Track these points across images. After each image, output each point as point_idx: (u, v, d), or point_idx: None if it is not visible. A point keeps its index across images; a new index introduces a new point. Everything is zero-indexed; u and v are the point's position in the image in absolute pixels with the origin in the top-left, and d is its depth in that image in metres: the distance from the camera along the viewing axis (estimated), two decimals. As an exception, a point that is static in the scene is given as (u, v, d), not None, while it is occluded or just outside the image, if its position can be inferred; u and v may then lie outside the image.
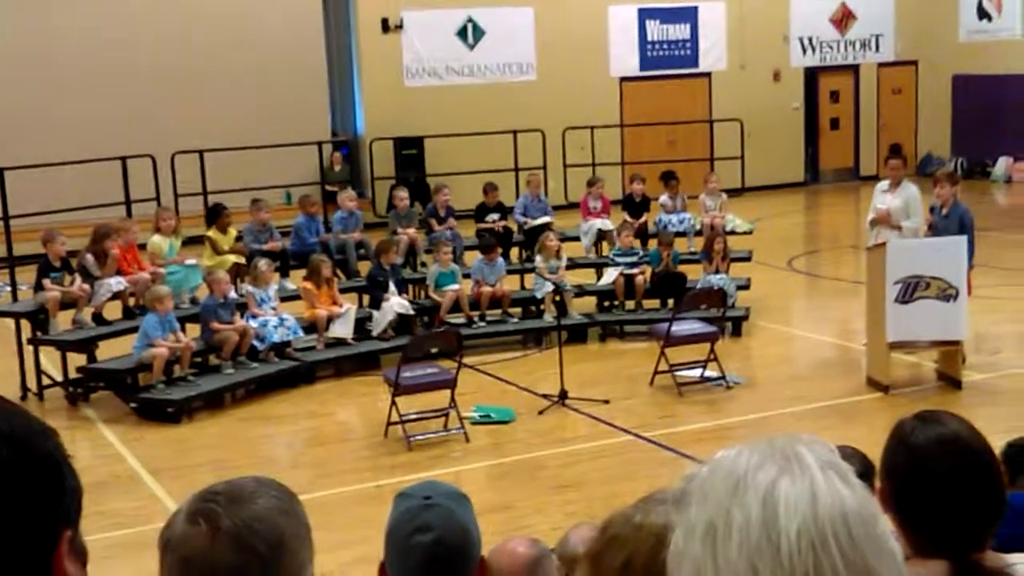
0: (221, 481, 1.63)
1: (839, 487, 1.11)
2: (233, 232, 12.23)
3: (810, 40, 23.64)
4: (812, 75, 23.84)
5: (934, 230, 10.23)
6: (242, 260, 11.90)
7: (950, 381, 9.83)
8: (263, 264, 11.26)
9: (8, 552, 1.05)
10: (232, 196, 13.42)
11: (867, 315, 10.08)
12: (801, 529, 1.08)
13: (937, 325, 9.47)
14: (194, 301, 11.52)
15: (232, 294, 11.12)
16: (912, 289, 9.43)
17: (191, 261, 11.74)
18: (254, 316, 10.93)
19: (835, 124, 24.36)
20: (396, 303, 11.68)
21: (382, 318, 11.60)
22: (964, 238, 9.68)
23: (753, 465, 1.14)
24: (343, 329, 11.44)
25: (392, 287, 11.75)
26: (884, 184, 10.88)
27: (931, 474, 2.15)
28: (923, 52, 24.14)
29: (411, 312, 11.81)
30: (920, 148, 24.33)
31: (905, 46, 24.20)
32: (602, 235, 13.58)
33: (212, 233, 12.12)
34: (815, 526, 1.08)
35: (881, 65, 24.27)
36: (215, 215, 12.29)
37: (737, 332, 12.03)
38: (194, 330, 10.93)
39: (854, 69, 24.16)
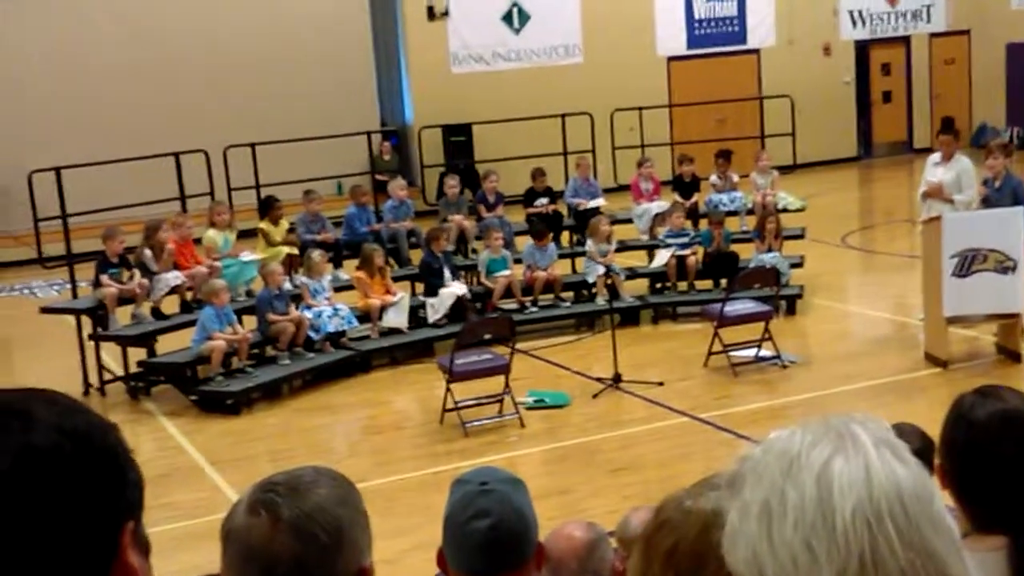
0: (280, 472, 1.66)
1: (894, 465, 1.11)
2: (285, 224, 12.33)
3: (860, 12, 23.31)
4: (863, 48, 23.52)
5: (987, 203, 10.07)
6: (295, 251, 11.99)
7: (1009, 354, 9.69)
8: (316, 255, 11.34)
9: (73, 544, 1.08)
10: (284, 188, 13.50)
11: (923, 290, 9.96)
12: (856, 508, 1.08)
13: (995, 298, 9.34)
14: (250, 294, 11.64)
15: (287, 285, 11.21)
16: (970, 262, 9.30)
17: (249, 256, 11.83)
18: (309, 307, 11.01)
19: (887, 97, 24.03)
20: (455, 288, 11.72)
21: (440, 305, 11.63)
22: (1021, 209, 9.52)
23: (807, 444, 1.14)
24: (397, 318, 11.50)
25: (447, 274, 11.79)
26: (936, 156, 10.73)
27: (991, 450, 2.14)
28: (975, 21, 23.71)
29: (468, 295, 11.85)
30: (975, 119, 23.93)
31: (957, 15, 23.79)
32: (657, 217, 13.51)
33: (264, 225, 12.22)
34: (870, 504, 1.08)
35: (933, 35, 23.88)
36: (267, 207, 12.38)
37: (791, 311, 11.93)
38: (251, 322, 11.04)
39: (905, 41, 23.80)
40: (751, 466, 1.17)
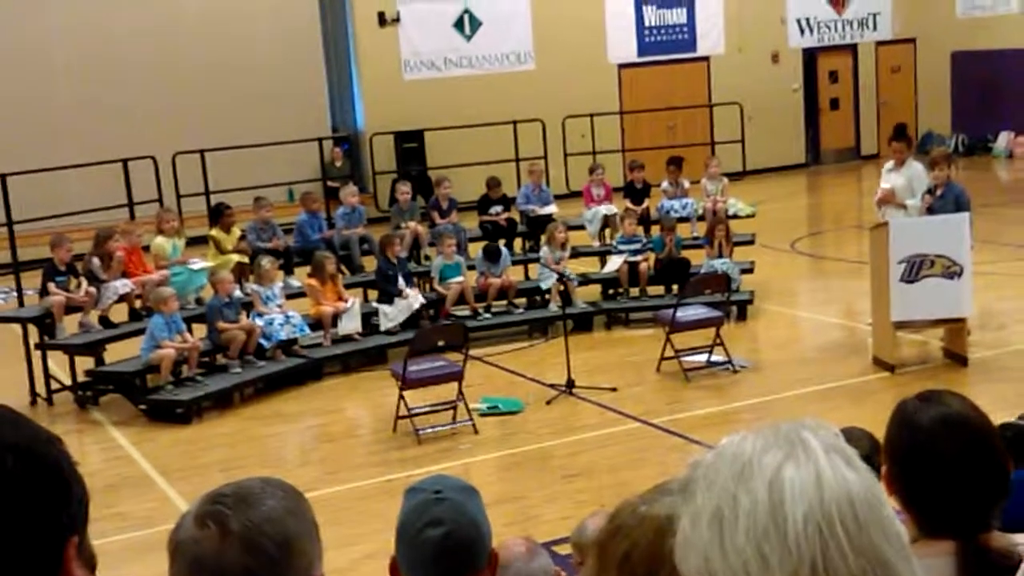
0: (229, 483, 1.64)
1: (844, 471, 1.12)
2: (236, 231, 12.23)
3: (808, 21, 23.58)
4: (811, 56, 23.78)
5: (931, 212, 10.22)
6: (246, 259, 11.91)
7: (956, 358, 9.82)
8: (267, 262, 11.27)
9: (16, 559, 1.06)
10: (234, 195, 13.41)
11: (872, 295, 10.06)
12: (808, 514, 1.09)
13: (943, 303, 9.45)
14: (199, 301, 11.53)
15: (237, 293, 11.14)
16: (917, 268, 9.41)
17: (199, 264, 11.73)
18: (260, 314, 10.94)
19: (835, 104, 24.31)
20: (413, 297, 11.70)
21: (398, 313, 11.60)
22: (966, 215, 9.66)
23: (758, 450, 1.14)
24: (350, 325, 11.45)
25: (402, 281, 11.75)
26: (890, 163, 10.89)
27: (935, 454, 2.14)
28: (921, 29, 24.07)
29: (423, 302, 11.83)
30: (920, 126, 24.27)
31: (903, 24, 24.14)
32: (607, 221, 13.57)
33: (215, 232, 12.12)
34: (821, 510, 1.09)
35: (879, 43, 24.21)
36: (218, 215, 12.30)
37: (742, 316, 12.02)
38: (201, 330, 10.95)
39: (852, 49, 24.11)
40: (703, 472, 1.17)
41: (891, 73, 24.43)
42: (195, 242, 13.03)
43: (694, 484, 1.17)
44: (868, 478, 1.13)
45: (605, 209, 13.58)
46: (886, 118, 23.00)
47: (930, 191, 10.43)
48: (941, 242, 9.41)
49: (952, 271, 9.40)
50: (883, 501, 1.13)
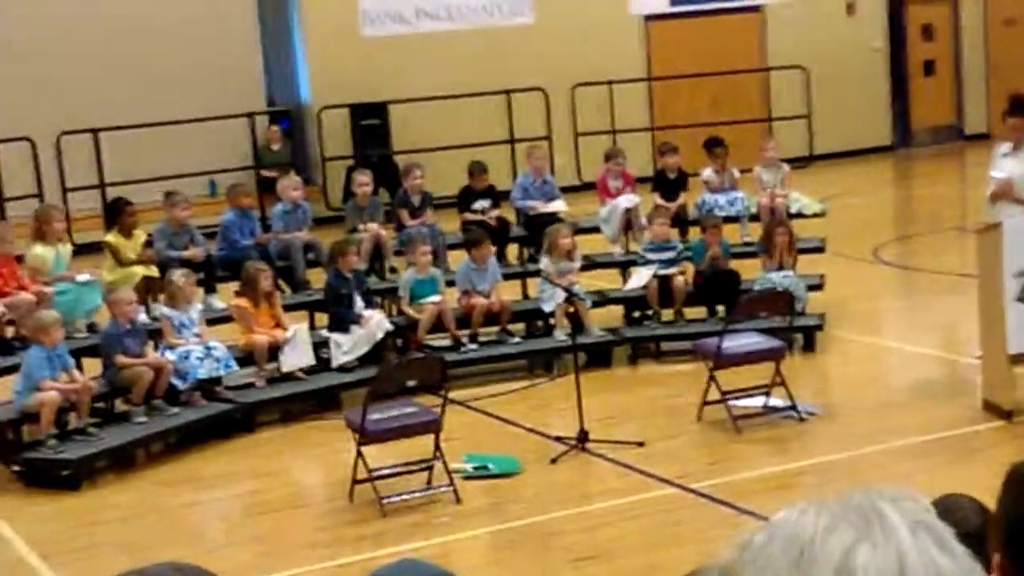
0: (132, 571, 1.64)
1: (935, 555, 1.12)
2: (141, 236, 12.25)
3: (893, -41, 23.74)
4: (897, 5, 23.90)
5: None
6: (154, 272, 11.92)
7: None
8: (181, 277, 11.27)
9: None
10: (139, 189, 13.45)
11: (981, 319, 10.09)
12: (887, 610, 1.09)
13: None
14: (92, 328, 11.54)
15: (142, 318, 11.13)
16: (1039, 283, 9.44)
17: (86, 276, 11.73)
18: (171, 346, 10.94)
19: (930, 68, 24.44)
20: (377, 324, 11.70)
21: (355, 344, 11.60)
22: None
23: (822, 529, 1.15)
24: (292, 359, 11.46)
25: (360, 301, 11.76)
26: (1006, 146, 10.91)
27: None
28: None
29: (387, 330, 11.84)
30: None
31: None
32: (630, 219, 13.55)
33: (113, 238, 12.13)
34: (905, 607, 1.09)
35: (988, -12, 24.36)
36: (116, 214, 12.31)
37: (809, 346, 12.03)
38: (94, 366, 10.93)
39: (952, -5, 24.26)
40: (751, 556, 1.18)
41: (1004, 26, 24.55)
42: (86, 250, 13.05)
43: (741, 571, 1.18)
44: (968, 564, 1.13)
45: (625, 200, 13.56)
46: (999, 86, 23.07)
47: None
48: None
49: (1085, 287, 9.43)
50: (986, 593, 1.14)
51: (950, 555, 1.13)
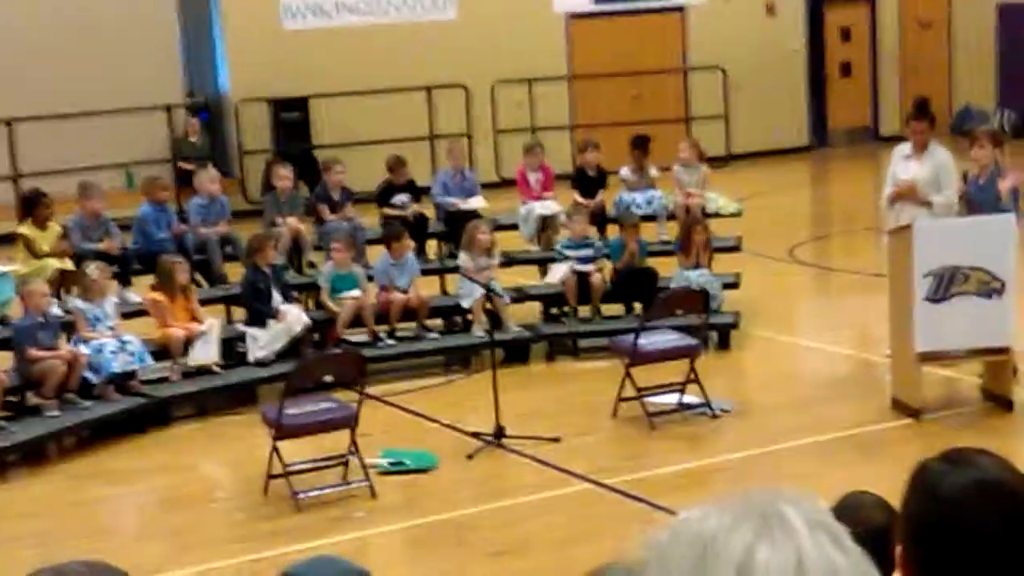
0: (43, 568, 1.63)
1: (831, 553, 1.14)
2: (56, 228, 12.13)
3: (812, -39, 23.92)
4: (816, 7, 24.08)
5: (970, 206, 10.35)
6: (68, 265, 11.80)
7: (998, 401, 9.98)
8: (96, 270, 11.17)
9: None
10: (53, 180, 13.27)
11: (891, 318, 10.19)
12: (785, 608, 1.10)
13: (979, 329, 9.59)
14: (3, 321, 11.40)
15: (55, 310, 11.01)
16: (947, 283, 9.54)
17: (2, 269, 11.58)
18: (85, 340, 10.83)
19: (847, 70, 24.64)
20: (295, 318, 11.63)
21: (272, 339, 11.53)
22: (1011, 216, 9.82)
23: (724, 528, 1.16)
24: (206, 353, 11.38)
25: (277, 296, 11.69)
26: (905, 148, 10.94)
27: (964, 532, 2.14)
28: (958, -25, 24.52)
29: (305, 324, 11.78)
30: (955, 99, 24.69)
31: (934, -32, 24.57)
32: (546, 222, 13.61)
33: (27, 229, 12.02)
34: (802, 603, 1.11)
35: (905, -8, 24.61)
36: (31, 205, 12.19)
37: (724, 344, 12.13)
38: (5, 359, 10.81)
39: (870, -2, 24.49)
40: (656, 555, 1.19)
41: (920, 30, 24.81)
42: (-1, 242, 12.87)
43: (647, 570, 1.19)
44: (861, 562, 1.15)
45: (541, 207, 13.59)
46: (912, 88, 23.31)
47: (965, 178, 10.56)
48: (979, 250, 9.55)
49: (991, 288, 9.54)
50: (880, 591, 1.16)
51: (845, 553, 1.15)
